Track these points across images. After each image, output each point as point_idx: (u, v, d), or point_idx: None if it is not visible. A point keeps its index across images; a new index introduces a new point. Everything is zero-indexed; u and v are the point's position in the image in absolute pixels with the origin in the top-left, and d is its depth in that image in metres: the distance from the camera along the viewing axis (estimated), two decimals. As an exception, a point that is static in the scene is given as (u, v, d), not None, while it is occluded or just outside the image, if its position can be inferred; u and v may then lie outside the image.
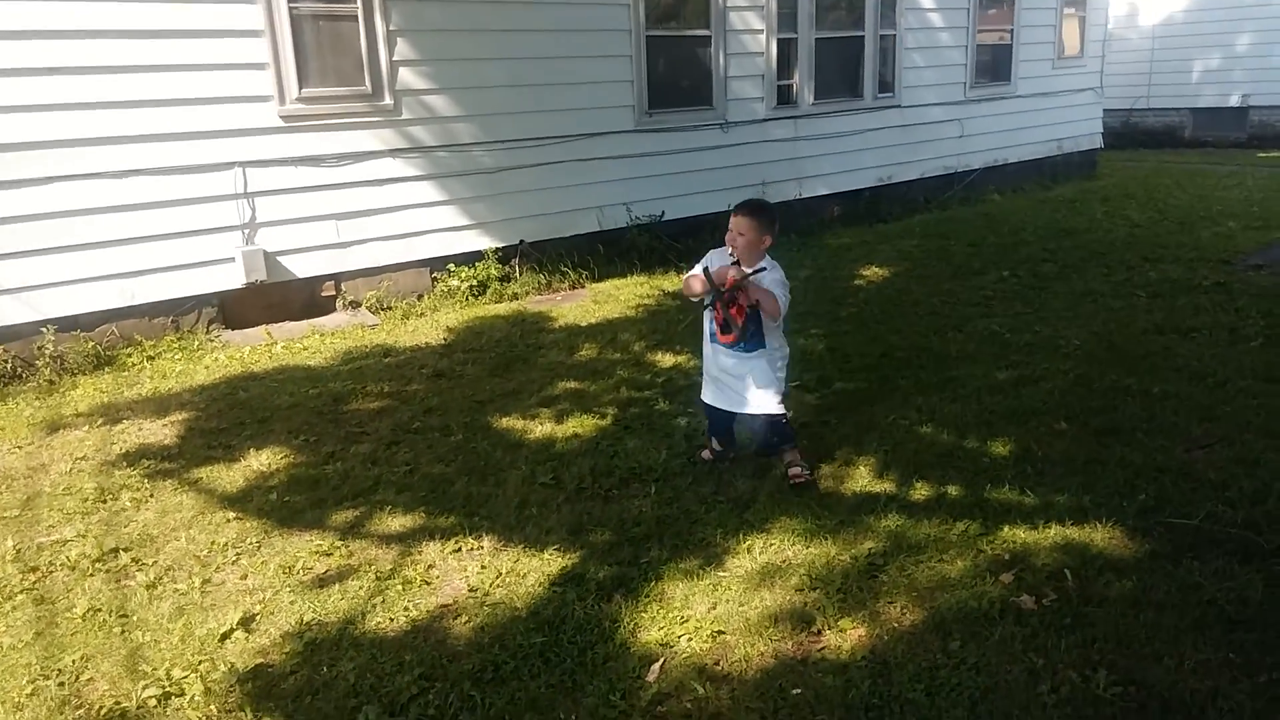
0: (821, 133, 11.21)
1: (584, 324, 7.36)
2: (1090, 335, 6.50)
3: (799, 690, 2.92)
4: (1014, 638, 3.12)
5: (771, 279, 4.09)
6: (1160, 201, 12.46)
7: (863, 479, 4.40)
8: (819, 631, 3.24)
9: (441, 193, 8.13)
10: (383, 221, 7.83)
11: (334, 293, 7.78)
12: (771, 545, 3.83)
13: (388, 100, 7.70)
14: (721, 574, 3.61)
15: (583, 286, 8.65)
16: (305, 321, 7.46)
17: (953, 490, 4.23)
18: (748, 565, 3.67)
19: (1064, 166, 15.03)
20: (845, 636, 3.19)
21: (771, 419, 4.36)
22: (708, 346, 4.40)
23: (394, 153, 7.80)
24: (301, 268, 7.53)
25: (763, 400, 4.30)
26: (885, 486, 4.31)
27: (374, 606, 3.47)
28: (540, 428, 5.17)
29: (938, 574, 3.55)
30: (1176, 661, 2.96)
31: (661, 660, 3.09)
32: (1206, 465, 4.34)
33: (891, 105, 11.98)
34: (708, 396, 4.48)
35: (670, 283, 8.70)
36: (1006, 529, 3.85)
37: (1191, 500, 4.01)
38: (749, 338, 4.21)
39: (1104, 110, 16.33)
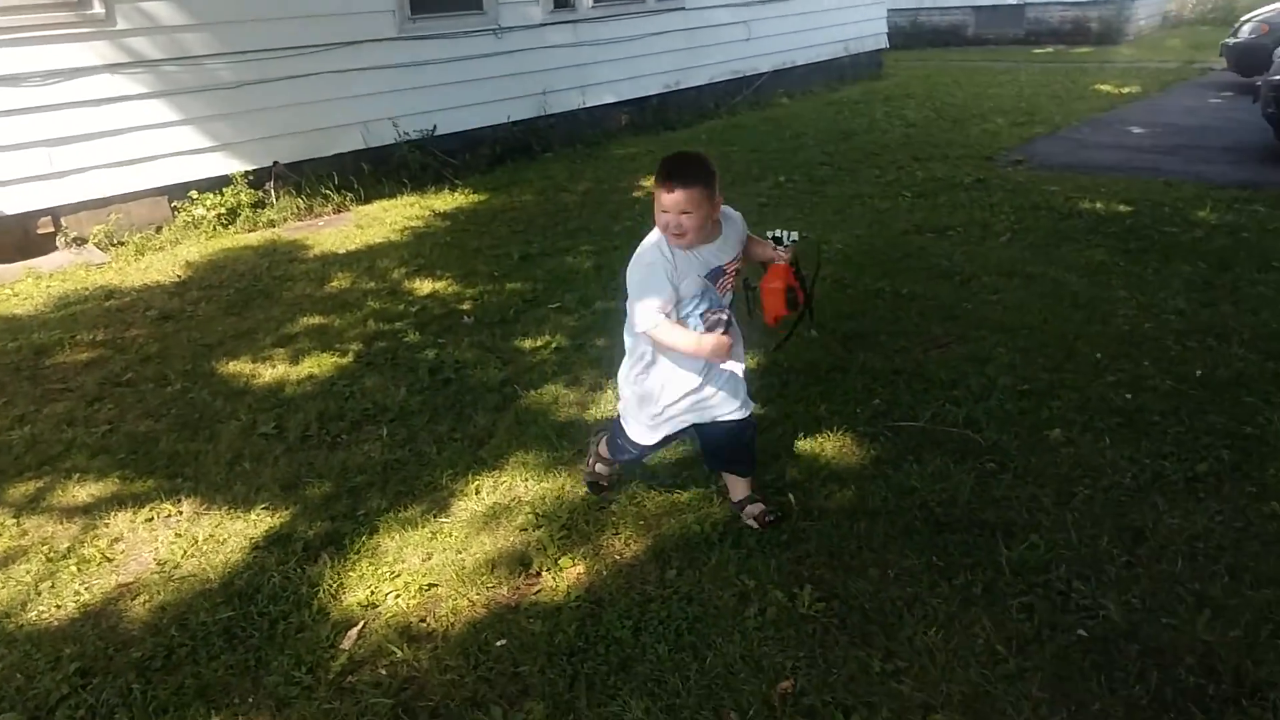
0: (604, 38, 10.84)
1: (342, 251, 6.89)
2: (853, 238, 6.57)
3: (503, 641, 2.77)
4: (730, 561, 3.06)
5: (742, 225, 3.02)
6: (938, 100, 12.82)
7: (609, 404, 4.26)
8: (537, 573, 3.10)
9: (175, 112, 7.34)
10: (105, 146, 7.00)
11: (52, 229, 6.96)
12: (503, 483, 3.65)
13: (98, 8, 6.82)
14: (443, 520, 3.41)
15: (348, 210, 8.11)
16: (20, 264, 6.65)
17: (696, 409, 4.15)
18: (473, 508, 3.48)
19: (851, 68, 15.25)
20: (563, 576, 3.06)
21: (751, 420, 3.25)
22: (694, 358, 2.96)
23: (112, 68, 6.95)
24: (9, 203, 6.68)
25: (746, 401, 3.19)
26: (630, 410, 4.18)
27: (39, 593, 3.09)
28: (271, 371, 4.77)
29: (667, 500, 3.47)
30: (881, 571, 2.98)
31: (361, 624, 2.87)
32: (940, 365, 4.43)
33: (675, 8, 11.71)
34: (667, 428, 3.16)
35: (443, 201, 8.28)
36: (742, 446, 3.79)
37: (921, 401, 4.08)
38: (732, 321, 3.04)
39: (894, 10, 16.64)
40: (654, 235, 2.87)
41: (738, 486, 3.34)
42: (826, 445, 3.77)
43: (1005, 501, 3.32)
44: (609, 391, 4.38)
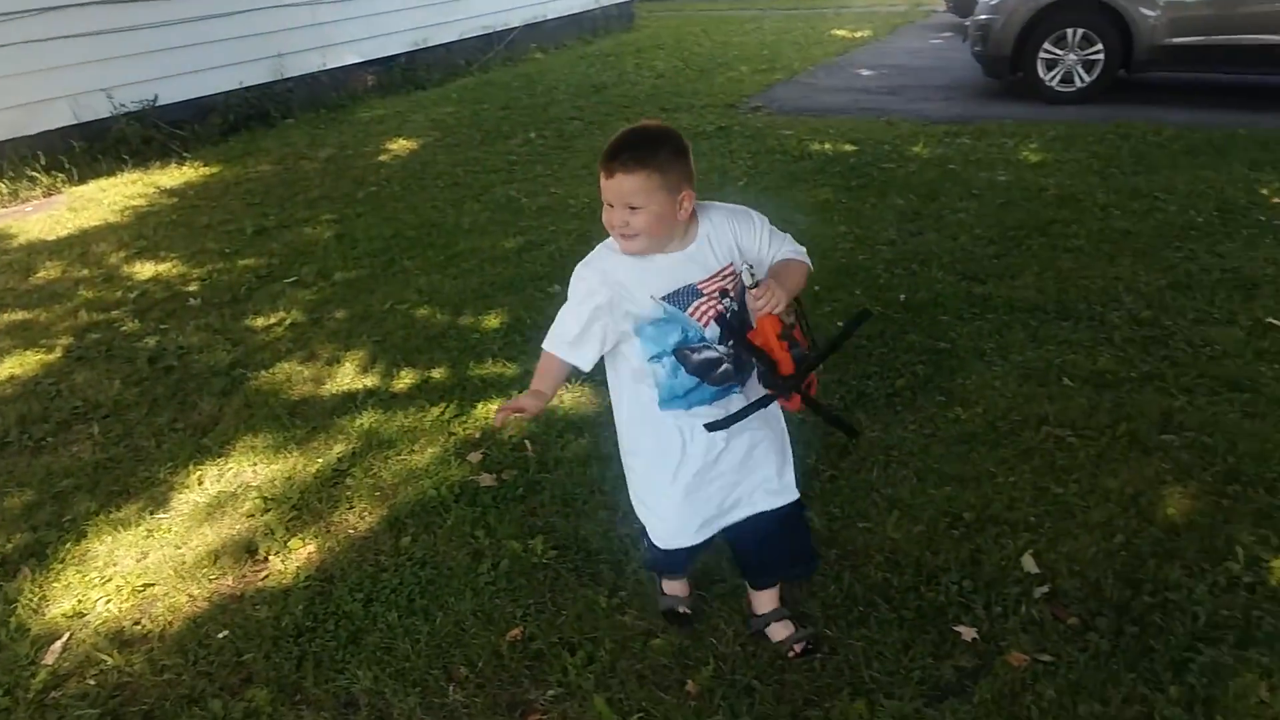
0: (339, -5, 10.39)
1: (51, 238, 6.32)
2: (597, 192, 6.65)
3: (225, 633, 2.68)
4: (465, 520, 3.09)
5: (753, 230, 2.13)
6: (686, 50, 13.12)
7: (346, 377, 4.17)
8: (264, 559, 3.01)
9: None
10: None
11: None
12: (229, 471, 3.51)
13: None
14: (161, 517, 3.24)
15: (59, 192, 7.43)
16: None
17: (437, 374, 4.13)
18: (195, 500, 3.33)
19: (604, 20, 15.33)
20: (292, 558, 2.99)
21: (798, 508, 2.43)
22: (672, 437, 2.22)
23: None
24: None
25: (786, 474, 2.38)
26: (368, 381, 4.11)
27: None
28: (-37, 376, 4.36)
29: (404, 468, 3.44)
30: (609, 512, 3.09)
31: (67, 635, 2.70)
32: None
33: (415, -39, 11.37)
34: (686, 534, 2.33)
35: (169, 176, 7.74)
36: (481, 406, 3.82)
37: (657, 346, 4.21)
38: (744, 363, 2.17)
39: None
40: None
41: (760, 599, 2.53)
42: (564, 397, 3.84)
43: (728, 433, 3.50)
44: (347, 364, 4.28)
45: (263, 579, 2.91)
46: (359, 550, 3.00)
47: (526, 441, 3.51)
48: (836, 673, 2.41)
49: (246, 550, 3.03)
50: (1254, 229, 5.18)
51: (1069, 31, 8.28)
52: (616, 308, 2.08)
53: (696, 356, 2.10)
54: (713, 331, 2.09)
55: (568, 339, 2.13)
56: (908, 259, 5.05)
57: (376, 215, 6.43)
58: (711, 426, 2.14)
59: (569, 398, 3.83)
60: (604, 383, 3.85)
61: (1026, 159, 6.76)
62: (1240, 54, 7.95)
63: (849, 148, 7.42)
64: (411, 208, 6.55)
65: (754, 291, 1.97)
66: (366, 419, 3.78)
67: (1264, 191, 5.78)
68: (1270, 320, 4.11)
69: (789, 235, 2.20)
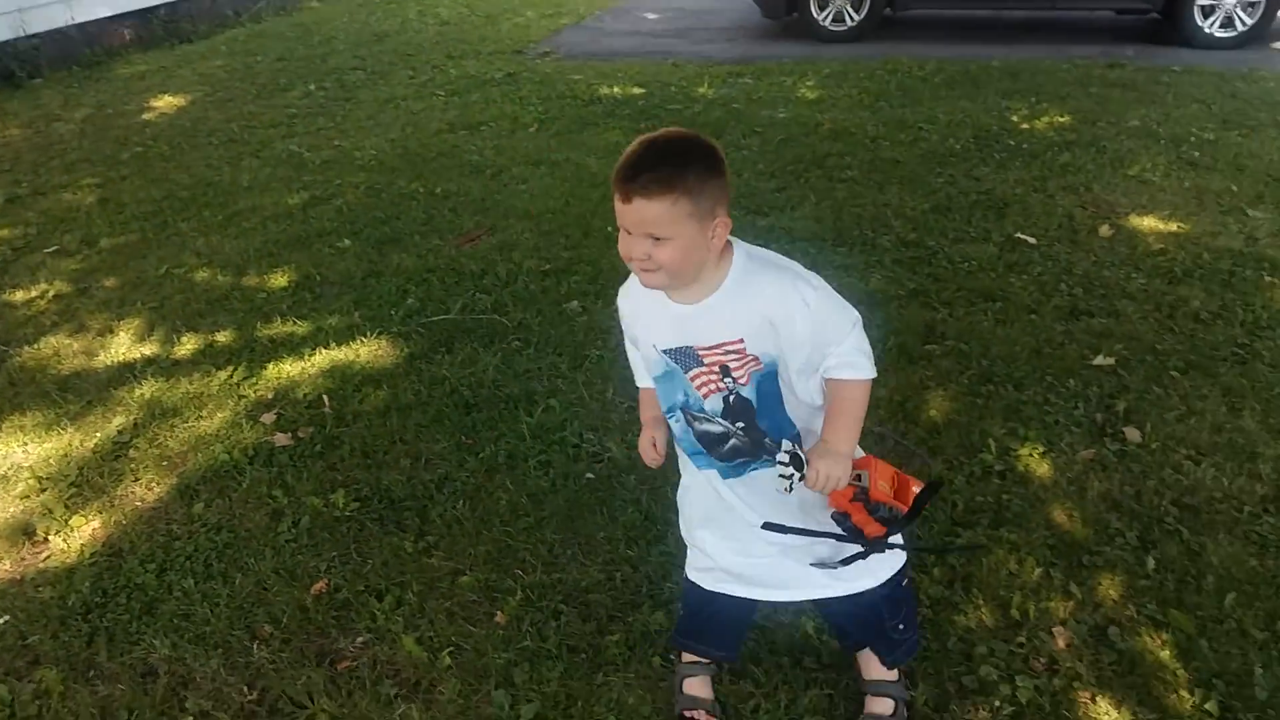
0: (82, -59, 9.53)
1: None
2: (387, 143, 6.49)
3: (6, 618, 2.54)
4: (261, 481, 3.02)
5: (793, 318, 1.67)
6: (471, -5, 12.83)
7: (121, 347, 3.93)
8: (44, 539, 2.85)
9: None
10: None
11: None
12: (-5, 454, 3.27)
13: None
14: (-81, 507, 3.00)
15: None
16: None
17: (222, 337, 3.96)
18: (-42, 487, 3.10)
19: (382, -34, 14.73)
20: (75, 536, 2.84)
21: (889, 592, 2.00)
22: (693, 472, 1.97)
23: None
24: None
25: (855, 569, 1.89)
26: (147, 350, 3.90)
27: None
28: None
29: (193, 435, 3.31)
30: (413, 460, 3.09)
31: None
32: (471, 257, 4.58)
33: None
34: (709, 570, 2.05)
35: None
36: (272, 366, 3.71)
37: (453, 294, 4.20)
38: (769, 443, 1.80)
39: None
40: None
41: (865, 662, 2.18)
42: (361, 351, 3.78)
43: (528, 374, 3.56)
44: (121, 334, 4.04)
45: (44, 560, 2.76)
46: (148, 522, 2.88)
47: (324, 397, 3.44)
48: (637, 588, 2.53)
49: (23, 533, 2.86)
50: (1005, 153, 5.65)
51: (837, -27, 8.66)
52: (638, 340, 1.86)
53: (699, 425, 1.82)
54: (714, 405, 1.78)
55: (636, 369, 1.97)
56: (695, 196, 5.20)
57: (144, 177, 6.02)
58: (767, 527, 1.80)
59: (365, 351, 3.77)
60: (400, 334, 3.86)
61: (804, 96, 7.07)
62: (991, -9, 8.56)
63: (637, 90, 7.52)
64: (183, 167, 6.17)
65: (803, 482, 1.68)
66: (147, 389, 3.60)
67: (1014, 118, 6.29)
68: (1019, 235, 4.52)
69: (851, 318, 1.71)
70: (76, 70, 9.07)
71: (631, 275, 1.75)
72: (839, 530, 1.75)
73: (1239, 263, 4.15)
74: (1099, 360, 3.45)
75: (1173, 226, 4.55)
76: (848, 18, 8.85)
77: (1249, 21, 7.92)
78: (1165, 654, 2.26)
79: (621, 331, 1.93)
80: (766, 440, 1.78)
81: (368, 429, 3.26)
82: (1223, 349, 3.51)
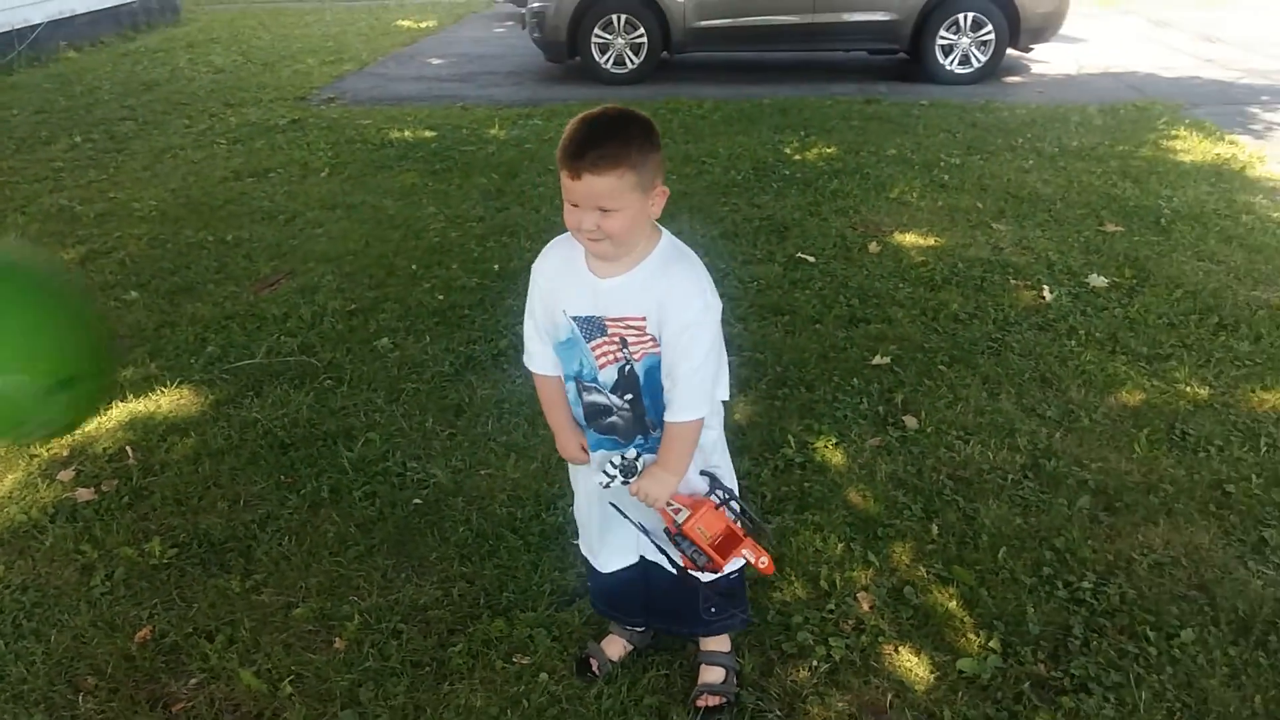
0: None
1: None
2: (168, 193, 6.25)
3: None
4: (67, 538, 2.88)
5: (683, 314, 1.80)
6: (245, 44, 12.48)
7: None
8: None
9: None
10: None
11: None
12: None
13: None
14: None
15: None
16: None
17: (4, 397, 3.71)
18: None
19: (145, 14, 14.08)
20: None
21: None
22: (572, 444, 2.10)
23: None
24: None
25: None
26: (-84, 416, 3.60)
27: None
28: None
29: (-19, 499, 3.11)
30: (231, 503, 3.03)
31: None
32: (272, 302, 4.50)
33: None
34: (588, 544, 2.26)
35: None
36: (65, 423, 3.51)
37: (256, 339, 4.12)
38: (649, 421, 1.94)
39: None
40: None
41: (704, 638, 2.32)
42: (162, 402, 3.65)
43: (343, 411, 3.55)
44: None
45: None
46: (-60, 592, 2.69)
47: (127, 449, 3.31)
48: (475, 601, 2.61)
49: None
50: (781, 182, 6.10)
51: (614, 17, 9.06)
52: (550, 305, 1.92)
53: (587, 396, 1.94)
54: (608, 377, 1.89)
55: (530, 346, 2.02)
56: (497, 232, 5.34)
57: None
58: (612, 504, 2.01)
59: (166, 401, 3.65)
60: (203, 381, 3.76)
61: (592, 135, 7.34)
62: (756, 33, 9.20)
63: (429, 134, 7.59)
64: (-63, 226, 5.72)
65: (629, 489, 1.89)
66: (-79, 456, 3.34)
67: (787, 150, 6.80)
68: (800, 255, 4.91)
69: (712, 354, 1.84)
70: None
71: (551, 243, 1.95)
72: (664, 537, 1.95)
73: (988, 269, 4.69)
74: (877, 360, 3.82)
75: (931, 241, 5.07)
76: (628, 60, 9.27)
77: (982, 59, 8.91)
78: (953, 605, 2.56)
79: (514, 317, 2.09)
80: (647, 419, 1.91)
81: (178, 476, 3.17)
82: (980, 344, 3.96)
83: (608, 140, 1.69)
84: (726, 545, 1.92)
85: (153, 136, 7.78)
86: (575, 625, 2.51)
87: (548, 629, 2.49)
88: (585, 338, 1.87)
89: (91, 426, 3.48)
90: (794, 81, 9.21)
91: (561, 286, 1.90)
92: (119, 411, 3.58)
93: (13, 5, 11.35)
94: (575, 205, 1.74)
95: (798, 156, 6.64)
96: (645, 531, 2.01)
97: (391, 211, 5.75)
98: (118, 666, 2.39)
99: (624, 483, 1.90)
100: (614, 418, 1.93)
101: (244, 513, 2.97)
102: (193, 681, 2.36)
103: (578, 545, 2.32)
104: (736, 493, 2.03)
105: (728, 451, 2.13)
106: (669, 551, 1.96)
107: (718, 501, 1.95)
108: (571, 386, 1.98)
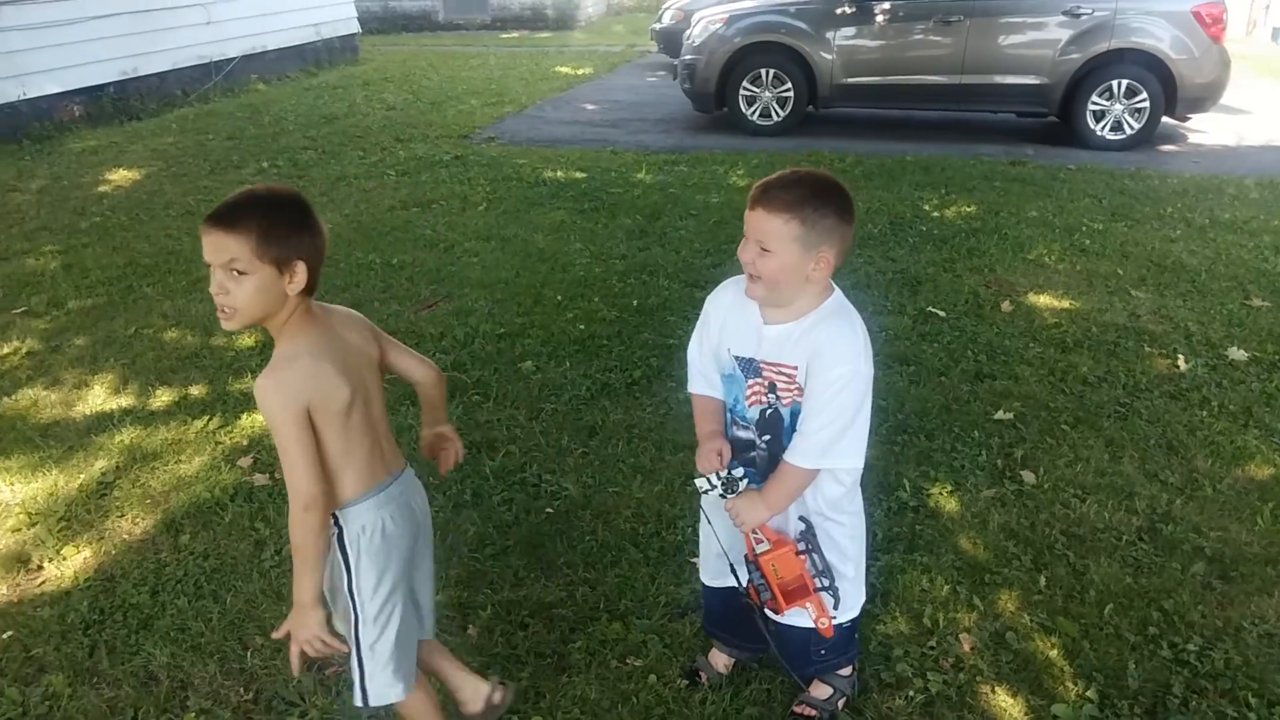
0: (37, 22, 9.76)
1: None
2: (342, 217, 6.81)
3: (10, 633, 2.73)
4: (243, 515, 3.26)
5: (829, 371, 1.91)
6: (415, 84, 13.33)
7: (97, 398, 4.14)
8: (39, 567, 3.04)
9: None
10: None
11: None
12: (-16, 491, 3.45)
13: None
14: (-87, 539, 3.17)
15: None
16: None
17: (196, 391, 4.20)
18: (-50, 522, 3.27)
19: (327, 52, 15.23)
20: (68, 564, 3.04)
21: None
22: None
23: None
24: None
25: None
26: (123, 401, 4.11)
27: None
28: None
29: (174, 476, 3.54)
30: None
31: None
32: (429, 322, 4.90)
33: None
34: (705, 566, 2.40)
35: None
36: (246, 416, 3.95)
37: (414, 354, 4.49)
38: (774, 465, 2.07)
39: (366, -6, 16.81)
40: None
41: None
42: (329, 403, 4.04)
43: (488, 424, 3.87)
44: (96, 387, 4.24)
45: (40, 585, 2.95)
46: (137, 551, 3.09)
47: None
48: (596, 605, 2.83)
49: (18, 560, 3.05)
50: (917, 238, 6.21)
51: (762, 71, 9.34)
52: (715, 341, 2.08)
53: (736, 429, 2.08)
54: (753, 414, 2.03)
55: (692, 372, 2.15)
56: (638, 270, 5.63)
57: (105, 245, 6.24)
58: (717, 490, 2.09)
59: (333, 404, 4.03)
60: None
61: (735, 183, 7.61)
62: (903, 91, 9.32)
63: (579, 174, 8.00)
64: (144, 236, 6.40)
65: (725, 504, 2.03)
66: (126, 435, 3.81)
67: (925, 207, 6.89)
68: (930, 309, 5.01)
69: (849, 418, 1.93)
70: (26, 144, 9.25)
71: (725, 284, 2.08)
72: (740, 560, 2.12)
73: (1122, 335, 4.68)
74: (1000, 415, 3.90)
75: (1065, 304, 5.09)
76: (774, 113, 9.52)
77: (1135, 126, 8.77)
78: (1054, 653, 2.63)
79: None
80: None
81: (341, 471, 3.52)
82: (1106, 407, 3.98)
83: (793, 188, 1.82)
84: (795, 593, 2.03)
85: (330, 165, 8.46)
86: (686, 636, 2.70)
87: (660, 636, 2.69)
88: (744, 377, 2.01)
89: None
90: (939, 140, 9.27)
91: (731, 325, 2.03)
92: (292, 410, 3.98)
93: (213, 39, 12.50)
94: (746, 238, 1.88)
95: (936, 214, 6.72)
96: (722, 548, 2.17)
97: (541, 245, 6.12)
98: (283, 629, 2.71)
99: (721, 495, 2.02)
100: (753, 454, 2.06)
101: (396, 507, 3.29)
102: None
103: (696, 563, 2.50)
104: (851, 562, 2.17)
105: (861, 514, 2.24)
106: (739, 573, 2.11)
107: (801, 549, 2.05)
108: (727, 418, 2.11)
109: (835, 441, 1.94)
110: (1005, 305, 5.04)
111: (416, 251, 6.05)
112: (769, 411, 1.99)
